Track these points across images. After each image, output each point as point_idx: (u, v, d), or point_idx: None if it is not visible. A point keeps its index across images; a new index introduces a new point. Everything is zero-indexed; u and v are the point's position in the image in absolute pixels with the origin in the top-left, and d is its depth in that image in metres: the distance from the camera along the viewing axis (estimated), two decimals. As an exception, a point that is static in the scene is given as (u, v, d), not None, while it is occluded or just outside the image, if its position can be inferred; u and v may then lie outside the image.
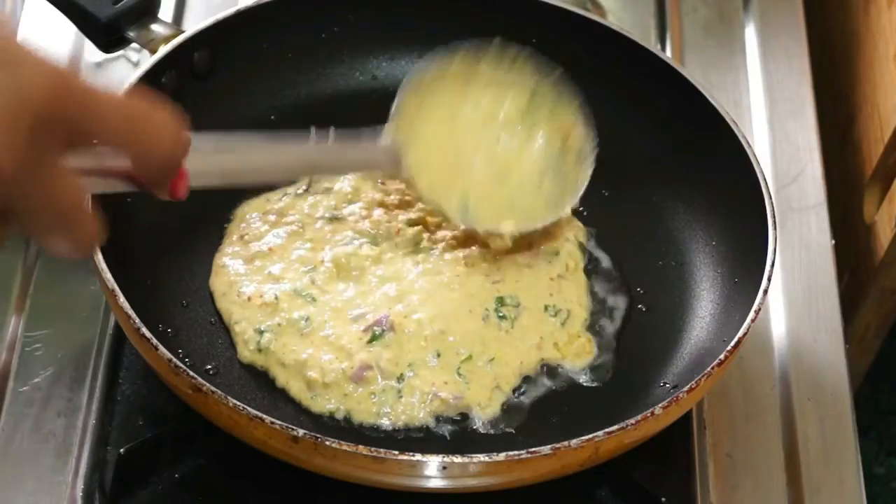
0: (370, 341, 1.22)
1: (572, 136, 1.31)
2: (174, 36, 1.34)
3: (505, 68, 1.29)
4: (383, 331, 1.23)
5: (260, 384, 1.23)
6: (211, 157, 1.09)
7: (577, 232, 1.35)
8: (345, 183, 1.35)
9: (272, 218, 1.33)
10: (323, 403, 1.21)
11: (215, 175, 1.09)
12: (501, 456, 1.10)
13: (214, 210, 1.33)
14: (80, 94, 0.88)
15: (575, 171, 1.31)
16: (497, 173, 1.29)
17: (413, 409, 1.21)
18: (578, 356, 1.27)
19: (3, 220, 0.88)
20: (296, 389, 1.22)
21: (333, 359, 1.22)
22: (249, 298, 1.26)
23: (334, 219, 1.33)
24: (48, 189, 0.88)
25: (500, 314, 1.26)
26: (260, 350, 1.24)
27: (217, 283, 1.29)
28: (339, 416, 1.21)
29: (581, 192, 1.30)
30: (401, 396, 1.21)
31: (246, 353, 1.24)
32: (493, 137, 1.29)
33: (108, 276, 1.16)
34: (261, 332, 1.24)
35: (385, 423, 1.21)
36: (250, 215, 1.33)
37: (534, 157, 1.30)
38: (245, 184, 1.28)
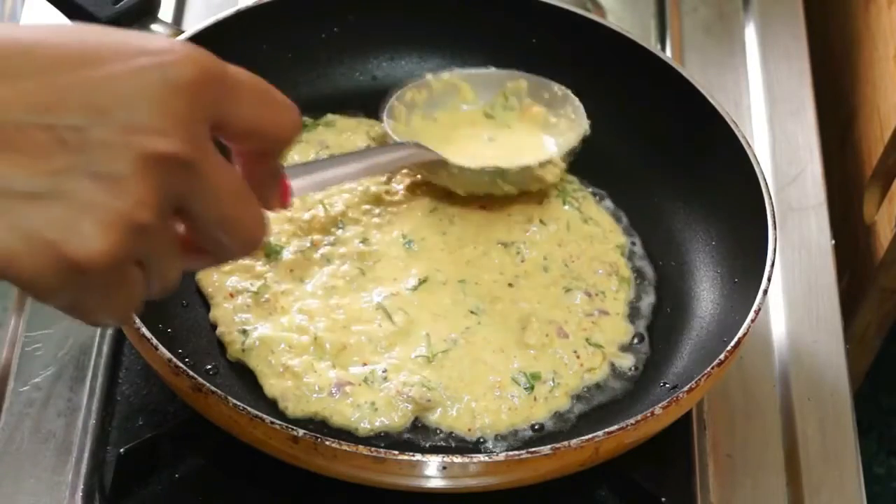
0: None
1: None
2: (174, 36, 1.34)
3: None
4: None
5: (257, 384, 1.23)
6: (305, 173, 1.09)
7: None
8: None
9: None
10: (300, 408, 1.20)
11: (308, 187, 1.09)
12: (501, 456, 1.10)
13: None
14: (221, 74, 0.85)
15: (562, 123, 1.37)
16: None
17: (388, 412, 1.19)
18: (588, 372, 1.26)
19: (137, 270, 0.83)
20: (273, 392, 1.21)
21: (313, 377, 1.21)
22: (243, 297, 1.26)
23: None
24: (219, 172, 0.84)
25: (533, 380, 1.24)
26: (244, 350, 1.23)
27: (207, 283, 1.28)
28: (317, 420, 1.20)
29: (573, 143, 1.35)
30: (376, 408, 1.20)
31: (231, 351, 1.24)
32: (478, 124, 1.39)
33: (108, 276, 1.16)
34: (244, 333, 1.24)
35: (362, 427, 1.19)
36: None
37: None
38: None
